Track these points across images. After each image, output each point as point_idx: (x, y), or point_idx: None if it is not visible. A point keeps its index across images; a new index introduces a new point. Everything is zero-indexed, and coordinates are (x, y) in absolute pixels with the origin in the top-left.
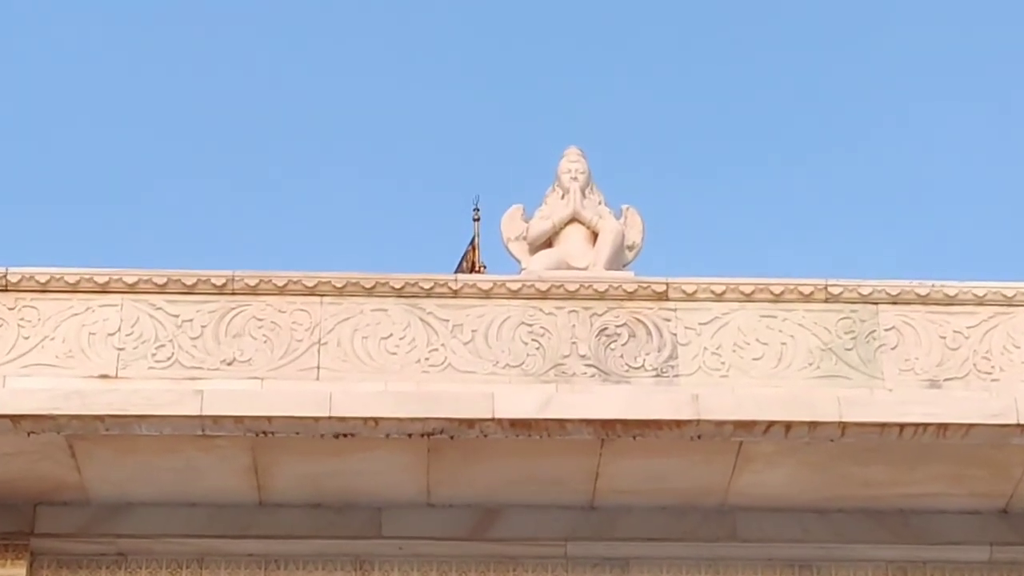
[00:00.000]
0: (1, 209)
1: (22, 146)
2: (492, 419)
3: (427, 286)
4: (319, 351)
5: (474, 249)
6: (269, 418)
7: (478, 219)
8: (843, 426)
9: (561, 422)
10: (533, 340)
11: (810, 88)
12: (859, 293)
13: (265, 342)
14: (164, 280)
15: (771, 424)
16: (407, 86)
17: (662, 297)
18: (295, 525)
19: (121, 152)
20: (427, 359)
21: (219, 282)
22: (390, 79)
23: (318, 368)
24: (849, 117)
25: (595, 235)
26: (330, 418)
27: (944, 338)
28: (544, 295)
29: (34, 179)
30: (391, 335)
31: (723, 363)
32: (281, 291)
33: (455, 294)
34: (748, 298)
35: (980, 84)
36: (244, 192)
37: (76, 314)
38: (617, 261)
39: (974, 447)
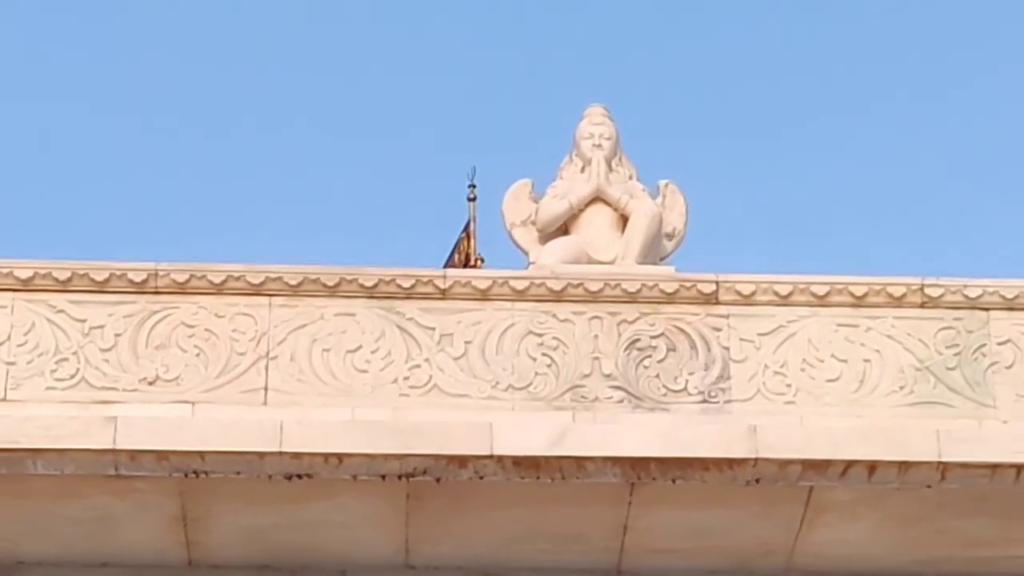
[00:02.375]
0: None
1: None
2: (490, 456)
3: (407, 284)
4: (267, 368)
5: (468, 237)
6: (202, 454)
7: (474, 199)
8: (943, 467)
9: (580, 460)
10: (544, 355)
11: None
12: (965, 296)
13: (198, 355)
14: (68, 275)
15: (850, 464)
16: (387, 39)
17: (711, 300)
18: None
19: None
20: (407, 378)
21: (139, 278)
22: (369, 34)
23: (266, 390)
24: (936, 73)
25: (624, 219)
26: (281, 453)
27: None
28: (558, 296)
29: None
30: (360, 347)
31: (789, 386)
32: (219, 290)
33: (443, 295)
34: (822, 301)
35: None
36: (180, 172)
37: None
38: (653, 253)
39: None
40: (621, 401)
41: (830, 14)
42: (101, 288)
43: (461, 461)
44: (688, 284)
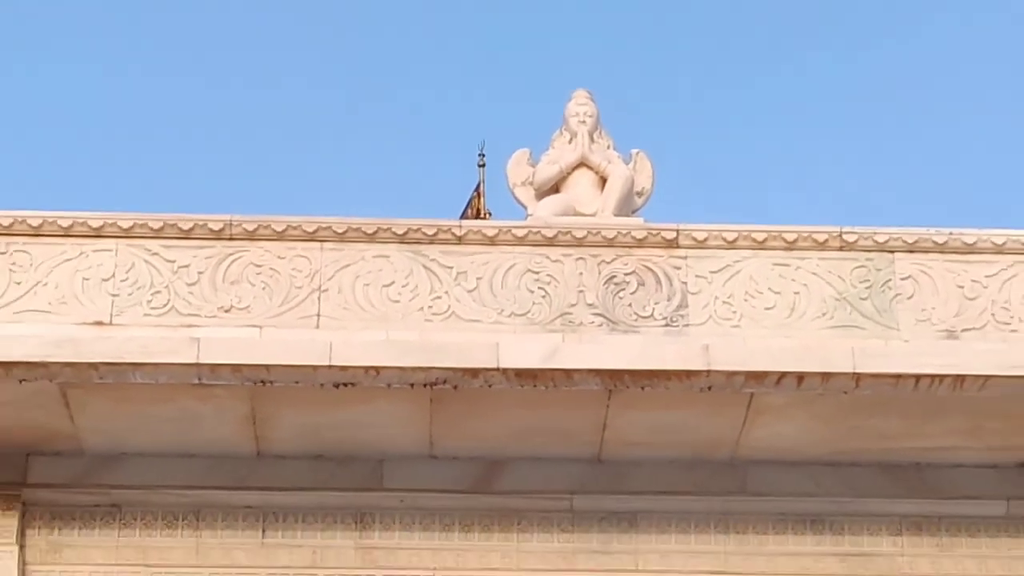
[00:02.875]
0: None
1: (16, 86)
2: (497, 369)
3: (431, 232)
4: (319, 298)
5: (479, 195)
6: (268, 367)
7: (483, 165)
8: (857, 377)
9: (568, 372)
10: (539, 288)
11: (822, 28)
12: (875, 241)
13: (264, 289)
14: (160, 225)
15: (783, 375)
16: (412, 30)
17: (672, 244)
18: (294, 477)
19: (121, 94)
20: (430, 307)
21: (216, 227)
22: (395, 23)
23: (318, 316)
24: (861, 58)
25: (603, 180)
26: (330, 367)
27: (962, 288)
28: (551, 242)
29: (30, 121)
30: (393, 282)
31: (735, 313)
32: (280, 237)
33: (459, 240)
34: (761, 246)
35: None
36: (246, 136)
37: (69, 259)
38: (626, 207)
39: (992, 400)
40: (601, 325)
41: None
42: (187, 235)
43: (473, 373)
44: (654, 232)
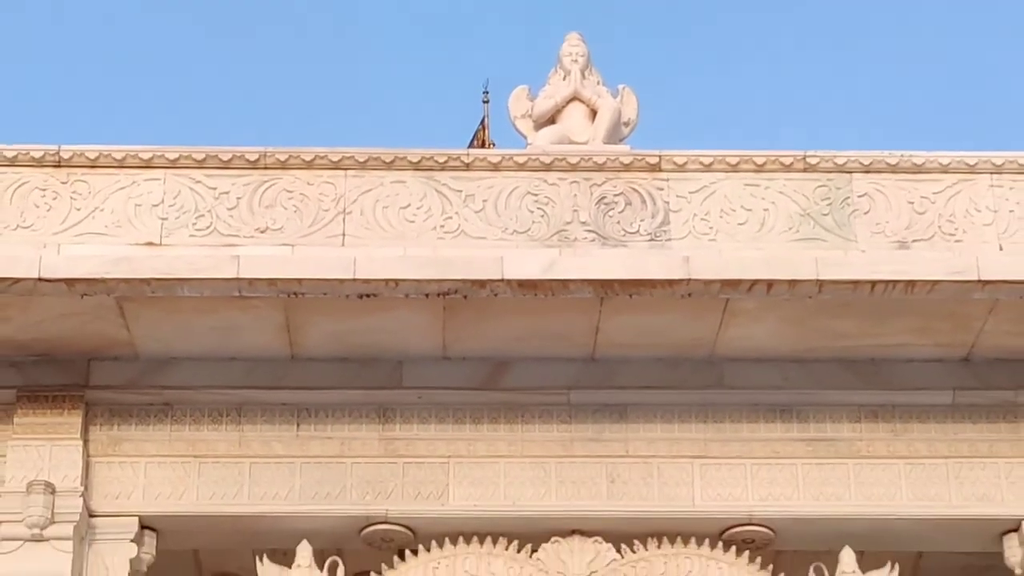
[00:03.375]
0: (54, 90)
1: (75, 29)
2: (501, 280)
3: (442, 160)
4: (344, 220)
5: (484, 128)
6: (299, 280)
7: (487, 101)
8: (820, 284)
9: (564, 282)
10: (538, 208)
11: None
12: (835, 163)
13: (295, 212)
14: (203, 156)
15: (754, 282)
16: None
17: (655, 168)
18: (324, 377)
19: (166, 36)
20: (442, 226)
21: (252, 158)
22: None
23: (343, 235)
24: None
25: (594, 112)
26: (355, 280)
27: (912, 203)
28: (548, 167)
29: (84, 61)
30: (409, 205)
31: (711, 228)
32: (309, 166)
33: (467, 167)
34: (734, 168)
35: None
36: (274, 74)
37: (123, 187)
38: (614, 136)
39: (938, 302)
40: (593, 240)
41: None
42: (226, 165)
43: (481, 284)
44: (639, 157)
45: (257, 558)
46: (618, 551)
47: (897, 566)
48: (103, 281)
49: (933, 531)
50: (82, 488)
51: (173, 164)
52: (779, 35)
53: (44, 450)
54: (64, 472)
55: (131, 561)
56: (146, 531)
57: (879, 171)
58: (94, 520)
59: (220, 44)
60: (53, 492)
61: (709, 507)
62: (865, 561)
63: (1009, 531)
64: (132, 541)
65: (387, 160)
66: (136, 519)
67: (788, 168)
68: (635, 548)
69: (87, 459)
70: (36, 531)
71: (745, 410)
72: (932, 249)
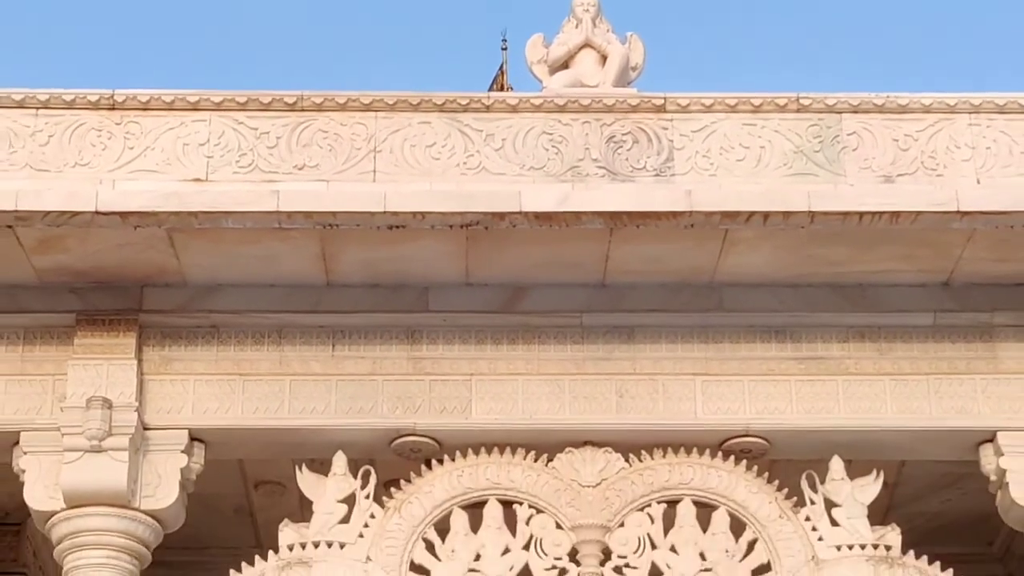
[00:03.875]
0: (108, 37)
1: None
2: (519, 212)
3: (464, 102)
4: (375, 157)
5: (503, 73)
6: (334, 213)
7: (505, 49)
8: (812, 215)
9: (577, 214)
10: (553, 147)
11: None
12: (825, 104)
13: (330, 150)
14: (245, 99)
15: (751, 214)
16: None
17: (660, 109)
18: (356, 302)
19: None
20: (465, 163)
21: (290, 100)
22: None
23: (374, 172)
24: None
25: (604, 58)
26: (384, 213)
27: (897, 140)
28: (562, 109)
29: (133, 9)
30: (434, 143)
31: (711, 164)
32: (342, 108)
33: (488, 109)
34: (732, 109)
35: None
36: (310, 22)
37: (172, 128)
38: (623, 80)
39: (921, 231)
40: (603, 176)
41: None
42: (266, 107)
43: (500, 216)
44: (646, 100)
45: (296, 467)
46: (626, 460)
47: (882, 473)
48: (154, 214)
49: (915, 441)
50: (136, 403)
51: (218, 107)
52: None
53: (101, 369)
54: (120, 389)
55: (181, 470)
56: (195, 443)
57: (867, 111)
58: (147, 433)
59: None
60: (110, 407)
61: (709, 420)
62: (852, 469)
63: (985, 441)
64: (182, 452)
65: (414, 102)
66: (186, 432)
67: (783, 109)
68: (642, 457)
69: (141, 377)
70: (95, 443)
71: (742, 331)
72: (915, 183)
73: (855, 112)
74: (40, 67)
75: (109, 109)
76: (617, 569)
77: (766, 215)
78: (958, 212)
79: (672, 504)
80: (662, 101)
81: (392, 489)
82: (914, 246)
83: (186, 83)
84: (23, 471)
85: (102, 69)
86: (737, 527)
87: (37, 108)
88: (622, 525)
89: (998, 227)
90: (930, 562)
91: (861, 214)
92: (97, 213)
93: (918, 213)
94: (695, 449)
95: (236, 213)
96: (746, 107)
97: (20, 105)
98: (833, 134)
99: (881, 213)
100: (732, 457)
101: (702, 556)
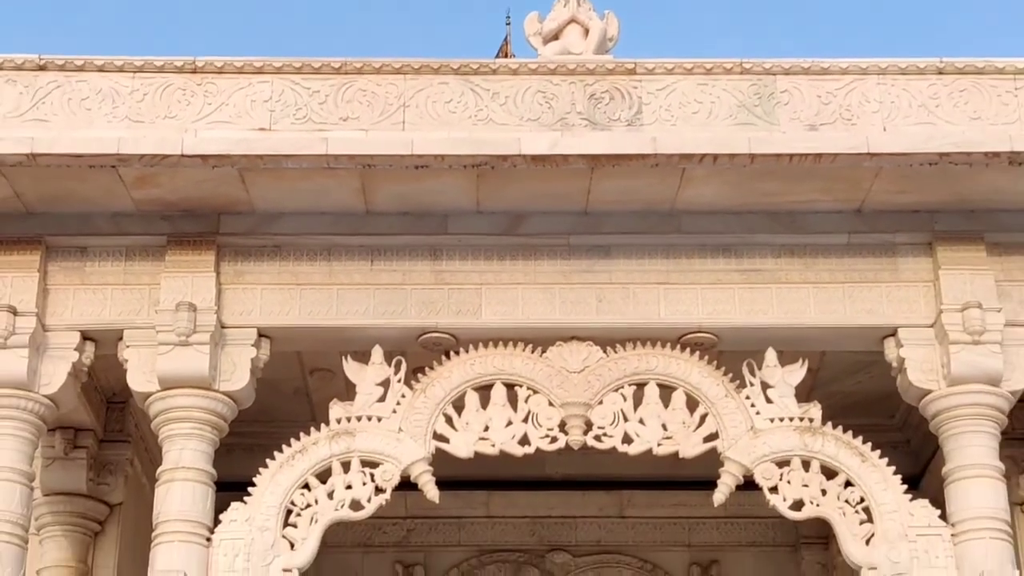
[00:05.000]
0: (188, 12)
1: None
2: (519, 155)
3: (475, 67)
4: (404, 111)
5: (507, 43)
6: (372, 156)
7: (509, 24)
8: (752, 157)
9: (565, 157)
10: (546, 102)
11: None
12: (763, 67)
13: (368, 105)
14: (300, 64)
15: (704, 156)
16: None
17: (632, 72)
18: (390, 226)
19: None
20: (475, 115)
21: (336, 65)
22: None
23: (404, 122)
24: None
25: (587, 31)
26: (412, 155)
27: (820, 97)
28: (553, 72)
29: None
30: (451, 100)
31: (672, 116)
32: (378, 71)
33: (494, 72)
34: (689, 72)
35: None
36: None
37: (242, 88)
38: (601, 48)
39: (838, 169)
40: (586, 126)
41: None
42: (317, 71)
43: (504, 158)
44: (620, 64)
45: (343, 358)
46: (604, 352)
47: (806, 361)
48: (228, 157)
49: (832, 336)
50: (216, 307)
51: (278, 71)
52: None
53: (187, 280)
54: (202, 296)
55: (251, 360)
56: (262, 338)
57: (796, 73)
58: (224, 330)
59: None
60: (195, 310)
61: (670, 320)
62: (783, 358)
63: (888, 336)
64: (252, 346)
65: (435, 67)
66: (255, 330)
67: (729, 71)
68: (616, 349)
69: (219, 287)
70: (183, 338)
71: (696, 249)
72: (834, 131)
73: (787, 74)
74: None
75: (191, 72)
76: (597, 438)
77: (715, 157)
78: (868, 154)
79: (640, 386)
80: (633, 65)
81: (419, 375)
82: (833, 181)
83: (223, 50)
84: (126, 360)
85: (172, 38)
86: (692, 404)
87: (134, 72)
88: (600, 403)
89: (899, 166)
90: (844, 431)
91: (791, 156)
92: (183, 156)
93: (836, 155)
94: (659, 343)
95: (293, 156)
96: (700, 70)
97: (120, 70)
98: (769, 92)
99: (807, 155)
100: (688, 349)
101: (664, 427)
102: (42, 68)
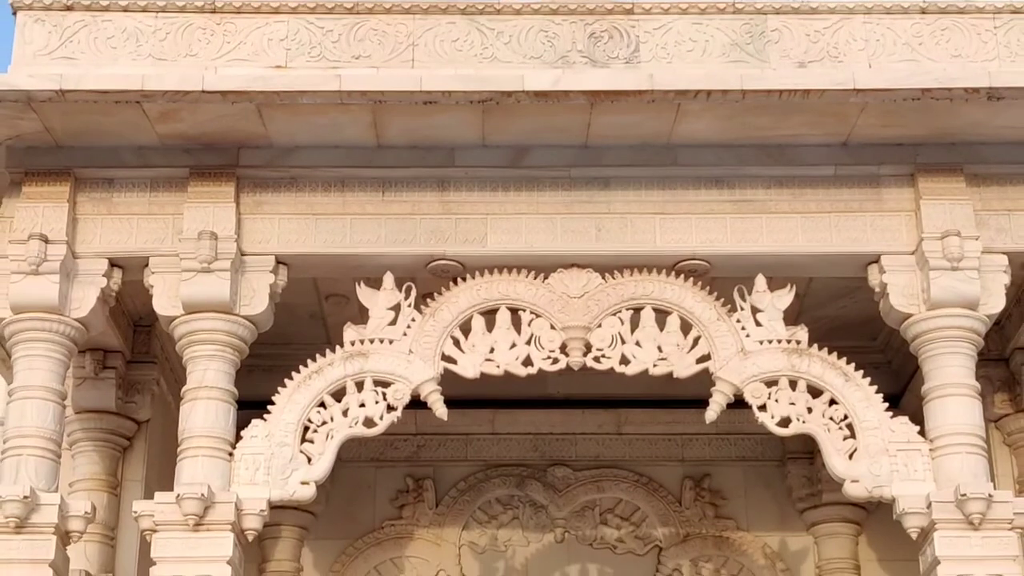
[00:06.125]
0: None
1: None
2: (523, 91)
3: (480, 7)
4: (413, 49)
5: None
6: (383, 92)
7: None
8: (744, 92)
9: (566, 92)
10: (548, 41)
11: None
12: (755, 7)
13: (379, 44)
14: (314, 4)
15: (698, 92)
16: None
17: (629, 12)
18: (400, 159)
19: None
20: (481, 53)
21: (349, 5)
22: None
23: (413, 60)
24: None
25: None
26: (421, 91)
27: (808, 35)
28: (555, 12)
29: None
30: (458, 39)
31: (668, 54)
32: (388, 11)
33: (498, 12)
34: (684, 12)
35: None
36: None
37: (259, 27)
38: None
39: (826, 104)
40: (586, 63)
41: None
42: (330, 11)
43: (508, 94)
44: (618, 5)
45: (356, 283)
46: (603, 278)
47: (794, 287)
48: (246, 93)
49: (819, 263)
50: (236, 236)
51: (294, 11)
52: None
53: (209, 210)
54: (223, 225)
55: (270, 286)
56: (280, 265)
57: (786, 13)
58: (244, 258)
59: None
60: (216, 239)
61: (665, 248)
62: (772, 284)
63: (871, 263)
64: (271, 272)
65: (443, 7)
66: (273, 257)
67: (722, 11)
68: (614, 276)
69: (239, 216)
70: (205, 265)
71: (691, 181)
72: (822, 67)
73: (777, 13)
74: None
75: (211, 12)
76: (596, 359)
77: (709, 93)
78: (854, 90)
79: (637, 311)
80: (631, 6)
81: (427, 300)
82: (820, 115)
83: None
84: (151, 286)
85: None
86: (685, 327)
87: (157, 12)
88: (599, 326)
89: (883, 101)
90: (829, 353)
91: (781, 91)
92: (203, 92)
93: (824, 91)
94: (655, 270)
95: (308, 92)
96: (694, 10)
97: (144, 10)
98: (760, 30)
99: (796, 91)
100: (682, 275)
101: (659, 349)
102: (69, 8)
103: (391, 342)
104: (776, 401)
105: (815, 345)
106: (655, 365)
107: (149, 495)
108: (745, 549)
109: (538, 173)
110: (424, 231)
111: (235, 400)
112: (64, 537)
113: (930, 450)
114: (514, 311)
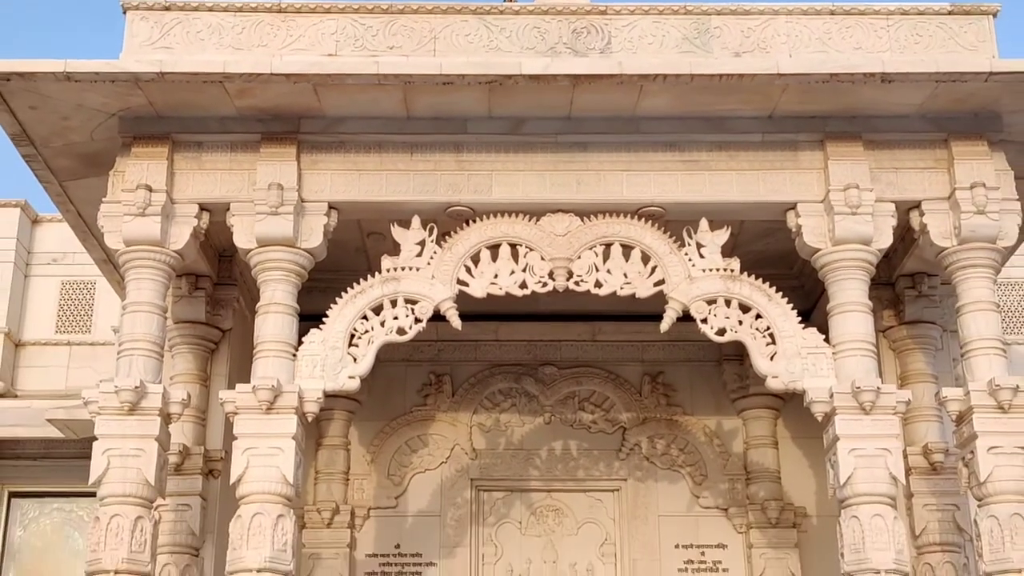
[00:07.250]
0: None
1: None
2: (521, 75)
3: (487, 8)
4: (435, 42)
5: None
6: (410, 75)
7: None
8: (692, 76)
9: (554, 76)
10: (540, 35)
11: None
12: (702, 10)
13: (408, 38)
14: (358, 6)
15: (657, 76)
16: None
17: (604, 13)
18: (425, 128)
19: None
20: (487, 45)
21: (384, 7)
22: None
23: (435, 51)
24: None
25: None
26: (441, 74)
27: (743, 31)
28: (545, 12)
29: None
30: (469, 34)
31: (634, 46)
32: (415, 12)
33: (502, 12)
34: (646, 13)
35: None
36: None
37: (314, 24)
38: None
39: (756, 85)
40: (570, 53)
41: None
42: (370, 12)
43: (509, 77)
44: (595, 7)
45: (391, 224)
46: (581, 220)
47: (729, 228)
48: (305, 75)
49: (749, 209)
50: (297, 187)
51: (342, 11)
52: None
53: (276, 167)
54: (287, 178)
55: (324, 226)
56: (332, 209)
57: (726, 14)
58: (304, 204)
59: None
60: (282, 188)
61: (631, 197)
62: (712, 226)
63: (789, 209)
64: (324, 215)
65: (457, 8)
66: (326, 203)
67: (676, 12)
68: (591, 219)
69: (299, 171)
70: (273, 209)
71: (650, 145)
72: (753, 57)
73: (719, 14)
74: None
75: (278, 12)
76: (576, 283)
77: (665, 76)
78: (778, 74)
79: (608, 246)
80: (604, 8)
81: (446, 237)
82: (751, 94)
83: None
84: (232, 225)
85: None
86: (645, 259)
87: (235, 11)
88: (579, 258)
89: (801, 83)
90: (756, 279)
91: (721, 76)
92: (272, 74)
93: (754, 75)
94: (622, 214)
95: (353, 75)
96: (654, 12)
97: (225, 10)
98: (705, 28)
99: (732, 75)
100: (643, 219)
101: (625, 275)
102: (167, 8)
103: (418, 270)
104: (715, 316)
105: (745, 273)
106: (622, 288)
107: (231, 386)
108: (690, 429)
109: (532, 139)
110: (443, 184)
111: (297, 313)
112: (166, 418)
113: (833, 353)
114: (513, 246)
